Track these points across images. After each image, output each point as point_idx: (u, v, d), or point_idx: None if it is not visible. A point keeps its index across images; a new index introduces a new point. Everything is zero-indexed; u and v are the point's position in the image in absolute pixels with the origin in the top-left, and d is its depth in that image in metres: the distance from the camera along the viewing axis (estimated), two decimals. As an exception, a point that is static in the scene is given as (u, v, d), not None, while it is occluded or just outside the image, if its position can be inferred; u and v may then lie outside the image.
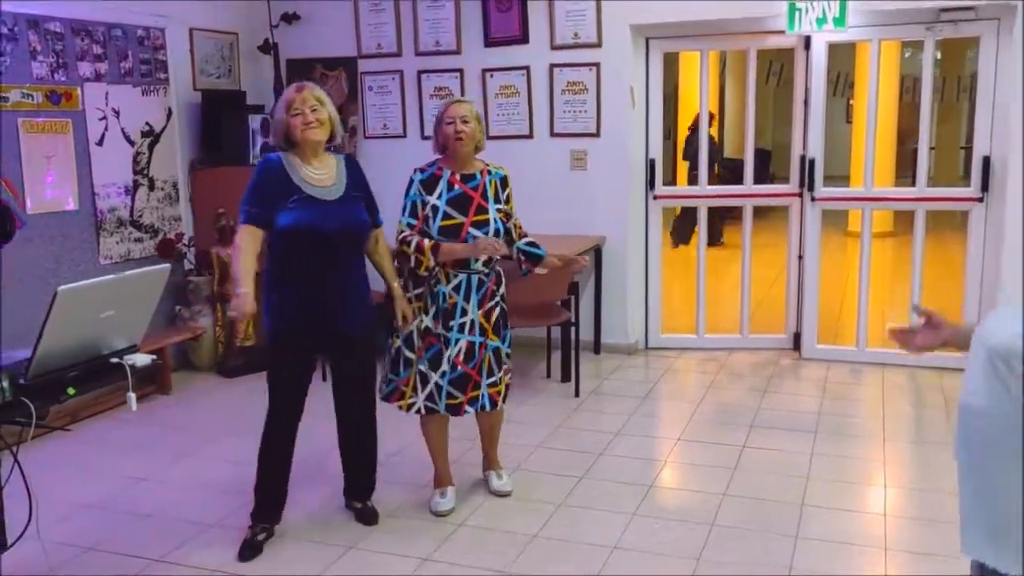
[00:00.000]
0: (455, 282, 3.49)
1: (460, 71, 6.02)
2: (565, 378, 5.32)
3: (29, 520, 2.24)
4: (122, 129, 5.27)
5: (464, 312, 3.50)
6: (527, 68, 5.86)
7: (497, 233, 3.52)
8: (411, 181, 3.53)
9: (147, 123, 5.44)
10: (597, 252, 5.82)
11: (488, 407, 3.62)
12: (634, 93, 5.75)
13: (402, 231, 3.46)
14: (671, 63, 7.98)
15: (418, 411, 3.55)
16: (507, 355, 3.69)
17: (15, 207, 4.54)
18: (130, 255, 5.32)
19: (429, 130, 6.11)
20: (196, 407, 5.13)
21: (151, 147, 5.48)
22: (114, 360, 2.31)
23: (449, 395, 3.52)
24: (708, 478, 3.96)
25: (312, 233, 3.16)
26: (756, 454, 4.22)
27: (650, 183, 5.94)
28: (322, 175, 3.23)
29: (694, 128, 9.49)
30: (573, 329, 5.24)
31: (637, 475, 4.01)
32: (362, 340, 3.41)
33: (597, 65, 5.72)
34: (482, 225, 3.48)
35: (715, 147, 9.94)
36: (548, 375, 5.50)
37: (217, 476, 4.06)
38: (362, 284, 3.37)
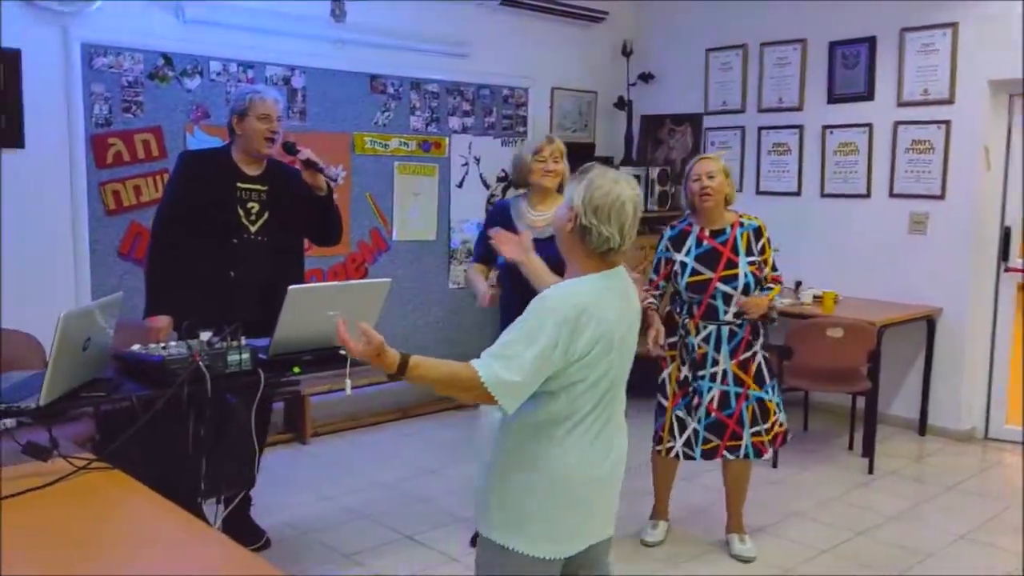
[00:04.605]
0: (704, 333, 3.58)
1: (800, 127, 5.94)
2: (866, 452, 4.97)
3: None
4: (480, 174, 6.12)
5: (715, 362, 3.58)
6: (869, 125, 5.60)
7: (747, 287, 3.54)
8: (661, 237, 3.70)
9: (503, 170, 6.23)
10: (930, 324, 5.32)
11: (752, 455, 3.63)
12: (989, 154, 5.20)
13: (645, 287, 3.64)
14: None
15: (676, 456, 3.66)
16: (778, 405, 3.68)
17: (382, 231, 5.55)
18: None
19: (764, 186, 6.17)
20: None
21: (504, 191, 6.26)
22: (342, 352, 2.87)
23: (705, 440, 3.61)
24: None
25: (511, 270, 3.44)
26: (1050, 571, 3.61)
27: (1003, 254, 5.29)
28: (542, 217, 3.54)
29: None
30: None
31: (891, 565, 3.68)
32: None
33: (947, 123, 5.28)
34: (731, 280, 3.53)
35: None
36: (850, 447, 5.16)
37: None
38: None
